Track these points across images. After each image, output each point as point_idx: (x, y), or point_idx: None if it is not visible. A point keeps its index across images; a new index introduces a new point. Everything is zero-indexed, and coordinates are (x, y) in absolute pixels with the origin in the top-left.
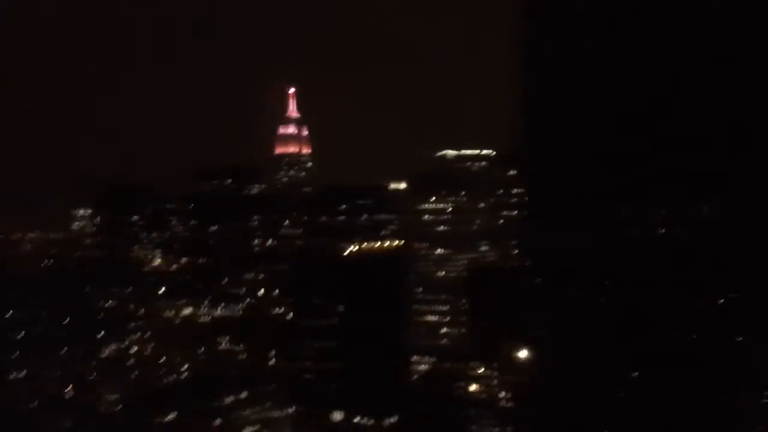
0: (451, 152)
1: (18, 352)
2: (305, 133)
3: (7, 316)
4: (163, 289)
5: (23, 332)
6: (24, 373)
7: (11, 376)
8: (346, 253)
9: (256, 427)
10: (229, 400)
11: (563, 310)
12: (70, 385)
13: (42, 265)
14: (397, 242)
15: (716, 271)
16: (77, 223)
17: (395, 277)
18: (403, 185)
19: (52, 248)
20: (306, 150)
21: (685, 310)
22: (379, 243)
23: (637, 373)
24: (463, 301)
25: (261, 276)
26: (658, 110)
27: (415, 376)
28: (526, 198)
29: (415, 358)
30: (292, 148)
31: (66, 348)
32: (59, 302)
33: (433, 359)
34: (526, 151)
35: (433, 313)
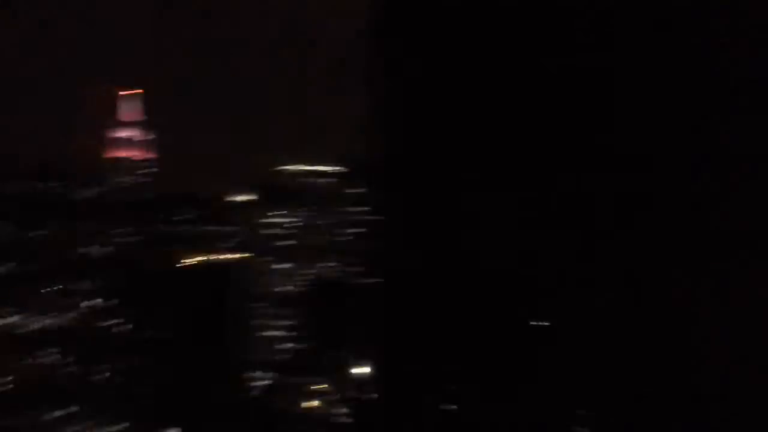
0: (295, 167)
1: None
2: (145, 137)
3: None
4: None
5: None
6: None
7: None
8: (184, 264)
9: None
10: (56, 414)
11: (402, 327)
12: None
13: None
14: (239, 254)
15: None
16: None
17: (236, 289)
18: (248, 197)
19: None
20: (142, 155)
21: (516, 330)
22: (220, 255)
23: (466, 390)
24: (305, 315)
25: (91, 284)
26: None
27: (254, 392)
28: (372, 215)
29: (255, 373)
30: (126, 153)
31: None
32: None
33: (273, 374)
34: (374, 166)
35: (275, 327)
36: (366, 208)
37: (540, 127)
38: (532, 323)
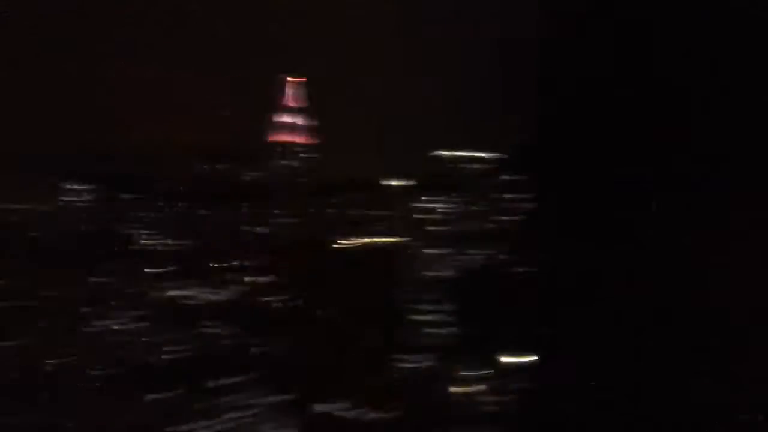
0: (448, 153)
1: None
2: (302, 122)
3: None
4: (151, 268)
5: (6, 303)
6: (4, 343)
7: None
8: (337, 246)
9: (239, 413)
10: (212, 383)
11: (557, 320)
12: (53, 359)
13: (28, 236)
14: (390, 239)
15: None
16: (66, 197)
17: (386, 273)
18: (400, 182)
19: (39, 220)
20: (302, 140)
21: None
22: (372, 238)
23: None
24: (455, 302)
25: (250, 263)
26: (690, 109)
27: (401, 375)
28: (527, 203)
29: (402, 356)
30: (287, 137)
31: (49, 320)
32: (42, 275)
33: (420, 358)
34: (531, 153)
35: (423, 312)
36: (522, 196)
37: (707, 118)
38: (700, 315)
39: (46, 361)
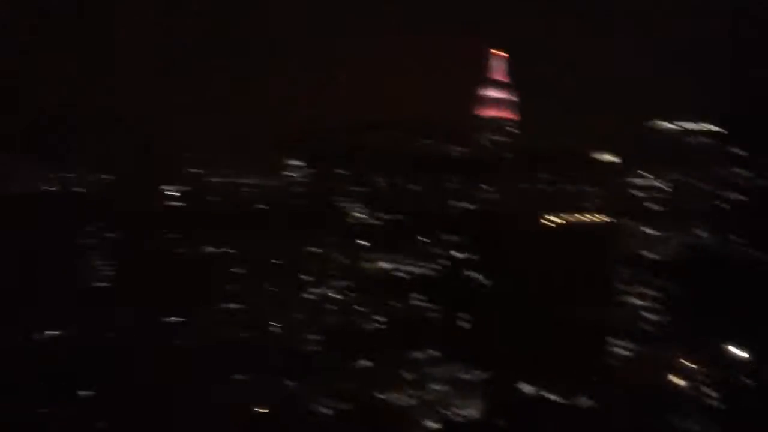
0: (668, 124)
1: (233, 286)
2: (511, 97)
3: (227, 251)
4: (364, 241)
5: (239, 269)
6: (237, 305)
7: (225, 305)
8: (546, 223)
9: (443, 386)
10: (419, 355)
11: None
12: (276, 323)
13: (258, 207)
14: (602, 217)
15: None
16: (290, 173)
17: (598, 253)
18: (613, 157)
19: (268, 193)
20: (510, 115)
21: None
22: (582, 216)
23: None
24: (673, 286)
25: (457, 238)
26: None
27: (613, 361)
28: (759, 180)
29: (613, 341)
30: (496, 112)
31: (274, 287)
32: (270, 244)
33: (634, 345)
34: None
35: (637, 295)
36: (749, 173)
37: None
38: None
39: (270, 323)
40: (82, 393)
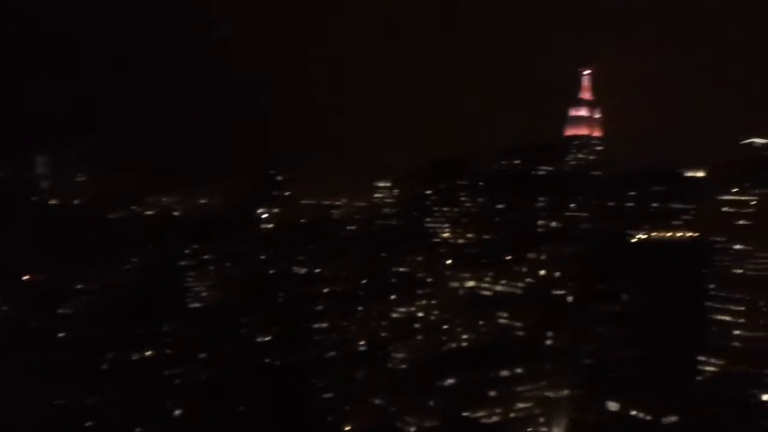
0: (760, 140)
1: (323, 305)
2: (597, 115)
3: (316, 271)
4: (450, 260)
5: (327, 288)
6: (325, 324)
7: (315, 325)
8: (635, 240)
9: (529, 404)
10: (504, 373)
11: None
12: (364, 340)
13: (348, 228)
14: (691, 233)
15: None
16: (378, 194)
17: (687, 269)
18: (701, 173)
19: (356, 214)
20: (597, 133)
21: None
22: (671, 232)
23: None
24: (763, 302)
25: (544, 256)
26: None
27: (702, 377)
28: None
29: (703, 357)
30: (583, 130)
31: (362, 306)
32: (359, 264)
33: (723, 361)
34: None
35: (727, 312)
36: None
37: None
38: None
39: (359, 342)
40: None
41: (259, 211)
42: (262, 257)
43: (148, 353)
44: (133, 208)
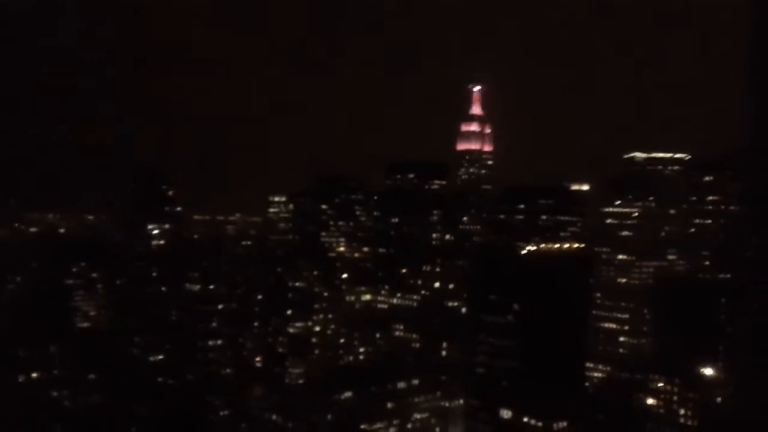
0: (641, 154)
1: (217, 323)
2: (488, 131)
3: (210, 287)
4: (346, 274)
5: (222, 305)
6: (220, 341)
7: (210, 343)
8: (524, 252)
9: (425, 415)
10: (401, 385)
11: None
12: (260, 356)
13: (242, 244)
14: (577, 245)
15: None
16: (273, 209)
17: (574, 280)
18: (586, 187)
19: (251, 230)
20: (488, 148)
21: None
22: (558, 244)
23: None
24: (646, 310)
25: (438, 269)
26: None
27: (589, 383)
28: (731, 206)
29: (589, 364)
30: (474, 146)
31: (258, 322)
32: (255, 280)
33: (608, 367)
34: (733, 156)
35: (612, 320)
36: (718, 198)
37: None
38: None
39: (256, 359)
40: None
41: (150, 227)
42: (154, 274)
43: (34, 375)
44: (16, 225)
